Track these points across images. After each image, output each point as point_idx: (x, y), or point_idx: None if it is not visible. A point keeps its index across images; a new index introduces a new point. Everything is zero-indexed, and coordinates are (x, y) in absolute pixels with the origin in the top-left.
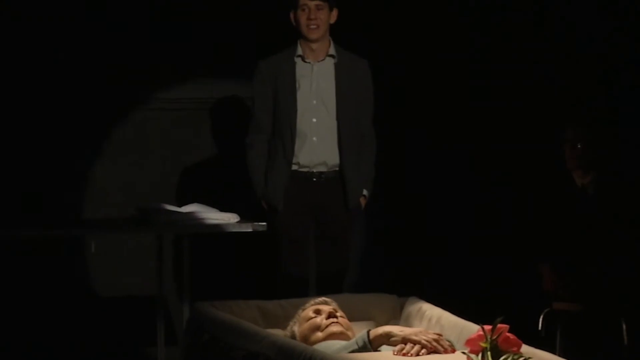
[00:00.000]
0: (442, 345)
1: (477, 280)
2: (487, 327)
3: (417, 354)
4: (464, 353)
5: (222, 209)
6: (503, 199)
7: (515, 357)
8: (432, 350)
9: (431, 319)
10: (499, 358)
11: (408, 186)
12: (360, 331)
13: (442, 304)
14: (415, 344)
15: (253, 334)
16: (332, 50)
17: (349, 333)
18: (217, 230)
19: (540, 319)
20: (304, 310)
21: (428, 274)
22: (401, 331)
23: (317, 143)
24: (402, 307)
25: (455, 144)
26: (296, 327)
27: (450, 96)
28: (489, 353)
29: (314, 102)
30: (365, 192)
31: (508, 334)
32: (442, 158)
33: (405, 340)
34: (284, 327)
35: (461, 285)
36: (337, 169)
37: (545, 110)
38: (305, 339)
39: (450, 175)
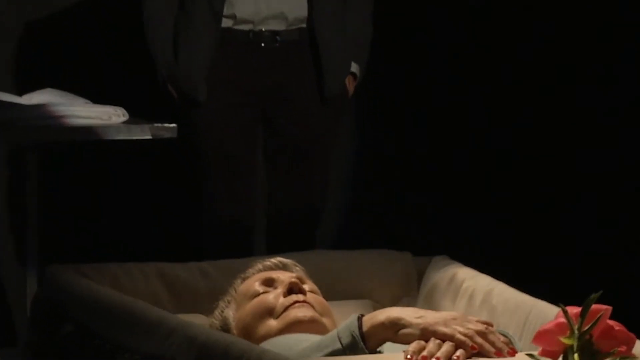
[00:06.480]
0: (492, 343)
1: (544, 231)
2: (574, 310)
3: None
4: (531, 357)
5: (98, 100)
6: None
7: None
8: (475, 353)
9: (473, 295)
10: None
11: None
12: (346, 318)
13: (487, 269)
14: (444, 341)
15: (153, 324)
16: None
17: (325, 320)
18: (89, 137)
19: None
20: (244, 280)
21: (458, 217)
22: (419, 317)
23: None
24: (421, 275)
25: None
26: (230, 311)
27: None
28: (576, 356)
29: None
30: (355, 67)
31: (611, 322)
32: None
33: (426, 334)
34: (208, 312)
35: (512, 238)
36: (304, 26)
37: None
38: (248, 331)
39: None
